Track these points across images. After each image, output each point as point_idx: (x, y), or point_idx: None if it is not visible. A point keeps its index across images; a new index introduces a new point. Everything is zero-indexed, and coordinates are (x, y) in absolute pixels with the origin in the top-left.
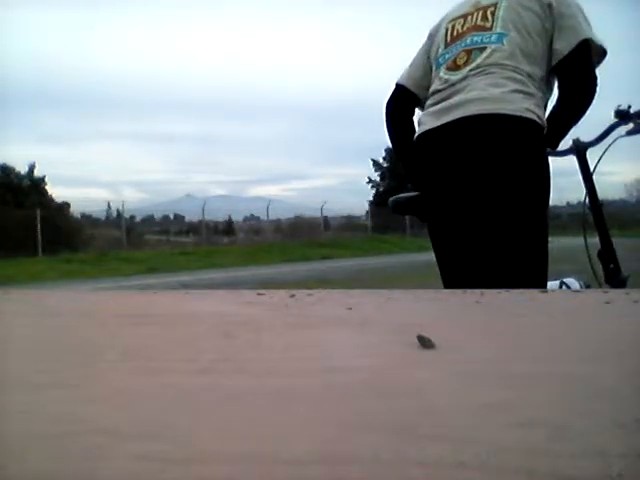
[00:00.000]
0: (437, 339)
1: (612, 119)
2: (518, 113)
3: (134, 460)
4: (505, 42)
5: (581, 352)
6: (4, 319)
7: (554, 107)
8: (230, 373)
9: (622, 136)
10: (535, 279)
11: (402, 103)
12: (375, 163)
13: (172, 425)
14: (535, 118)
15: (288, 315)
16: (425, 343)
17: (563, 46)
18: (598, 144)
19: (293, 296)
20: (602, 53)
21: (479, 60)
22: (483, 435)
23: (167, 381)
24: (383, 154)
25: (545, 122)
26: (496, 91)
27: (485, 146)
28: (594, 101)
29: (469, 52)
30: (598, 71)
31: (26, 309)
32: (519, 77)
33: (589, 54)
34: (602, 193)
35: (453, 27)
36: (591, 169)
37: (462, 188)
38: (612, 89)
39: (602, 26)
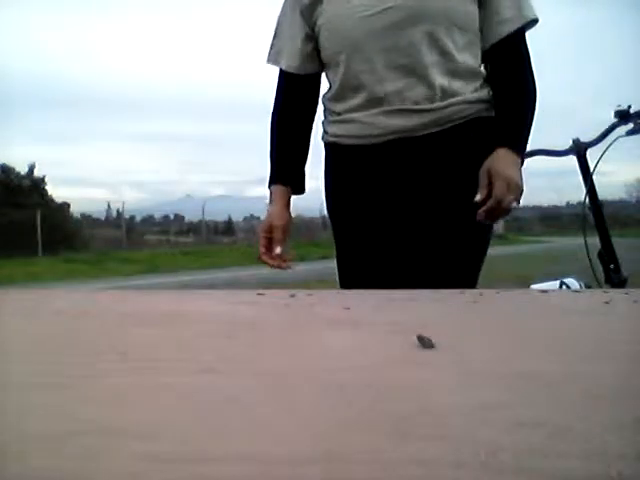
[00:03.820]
0: (437, 339)
1: (612, 119)
2: None
3: (134, 460)
4: None
5: (581, 352)
6: (4, 319)
7: None
8: (230, 373)
9: (622, 136)
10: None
11: None
12: None
13: (172, 425)
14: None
15: (288, 315)
16: (425, 343)
17: None
18: (598, 144)
19: (293, 296)
20: None
21: None
22: (483, 435)
23: (167, 381)
24: None
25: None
26: None
27: None
28: None
29: None
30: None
31: (26, 309)
32: None
33: None
34: (602, 193)
35: None
36: (591, 169)
37: None
38: (612, 89)
39: (604, 26)
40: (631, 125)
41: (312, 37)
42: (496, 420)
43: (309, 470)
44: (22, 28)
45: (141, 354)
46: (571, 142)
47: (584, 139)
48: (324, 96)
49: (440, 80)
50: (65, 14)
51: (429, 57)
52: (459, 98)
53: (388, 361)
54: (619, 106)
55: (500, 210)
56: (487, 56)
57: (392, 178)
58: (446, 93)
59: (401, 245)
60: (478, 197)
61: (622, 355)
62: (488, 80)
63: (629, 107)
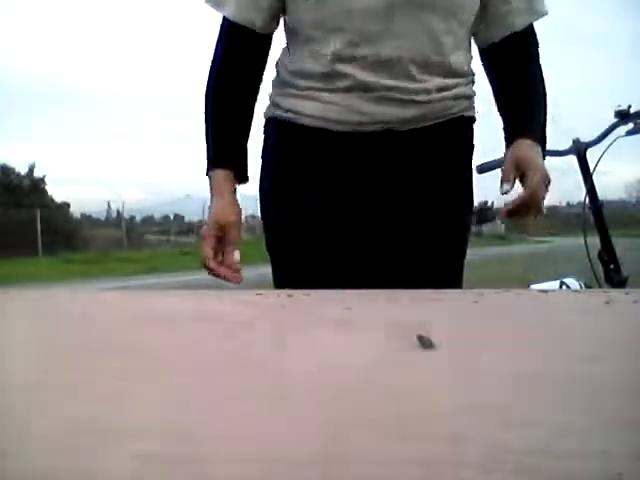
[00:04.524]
0: (437, 339)
1: (612, 119)
2: None
3: (134, 460)
4: None
5: (581, 352)
6: (4, 319)
7: None
8: (229, 373)
9: (622, 136)
10: None
11: None
12: None
13: (172, 425)
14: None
15: (286, 315)
16: (425, 343)
17: None
18: (598, 144)
19: (291, 296)
20: None
21: None
22: (483, 435)
23: (167, 381)
24: None
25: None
26: None
27: None
28: None
29: None
30: None
31: (26, 309)
32: None
33: None
34: (602, 193)
35: None
36: (591, 169)
37: None
38: (612, 89)
39: (604, 26)
40: (631, 125)
41: None
42: (496, 420)
43: (309, 470)
44: (22, 27)
45: (140, 354)
46: (571, 142)
47: (584, 139)
48: (282, 63)
49: (436, 79)
50: (64, 13)
51: (427, 51)
52: (448, 93)
53: (388, 361)
54: (619, 106)
55: (534, 203)
56: (493, 50)
57: (367, 174)
58: (440, 90)
59: (370, 253)
60: (506, 187)
61: (622, 355)
62: (494, 74)
63: (629, 107)
